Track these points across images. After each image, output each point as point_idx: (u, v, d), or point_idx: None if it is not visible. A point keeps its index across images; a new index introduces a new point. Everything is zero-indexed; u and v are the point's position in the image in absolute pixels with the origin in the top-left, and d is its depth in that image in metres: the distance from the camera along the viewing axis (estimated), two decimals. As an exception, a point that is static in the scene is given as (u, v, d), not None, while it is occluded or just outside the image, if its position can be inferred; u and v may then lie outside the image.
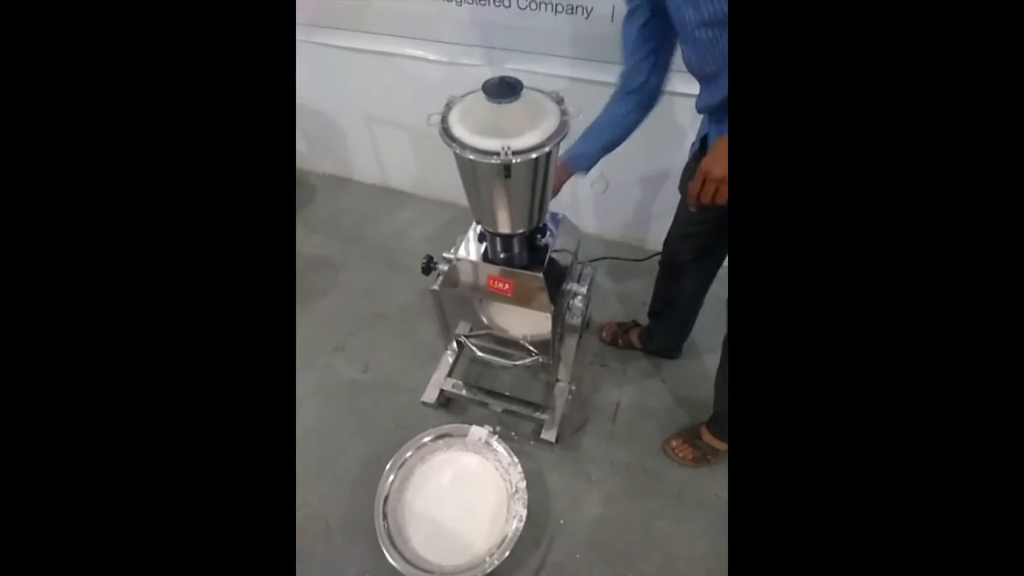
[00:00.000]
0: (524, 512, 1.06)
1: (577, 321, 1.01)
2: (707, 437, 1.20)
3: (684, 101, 1.27)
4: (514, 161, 0.69)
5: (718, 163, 0.66)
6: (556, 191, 0.93)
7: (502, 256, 0.97)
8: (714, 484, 1.20)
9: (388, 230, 1.85)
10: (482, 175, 0.77)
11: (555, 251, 0.99)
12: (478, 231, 1.02)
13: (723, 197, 0.68)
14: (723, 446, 1.19)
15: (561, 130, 0.73)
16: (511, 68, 1.36)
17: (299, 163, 2.10)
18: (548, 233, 1.00)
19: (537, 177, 0.78)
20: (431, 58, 1.46)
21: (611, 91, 0.90)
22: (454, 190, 1.92)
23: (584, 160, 0.93)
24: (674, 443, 1.24)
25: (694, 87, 0.80)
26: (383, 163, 1.92)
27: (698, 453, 1.21)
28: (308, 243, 1.80)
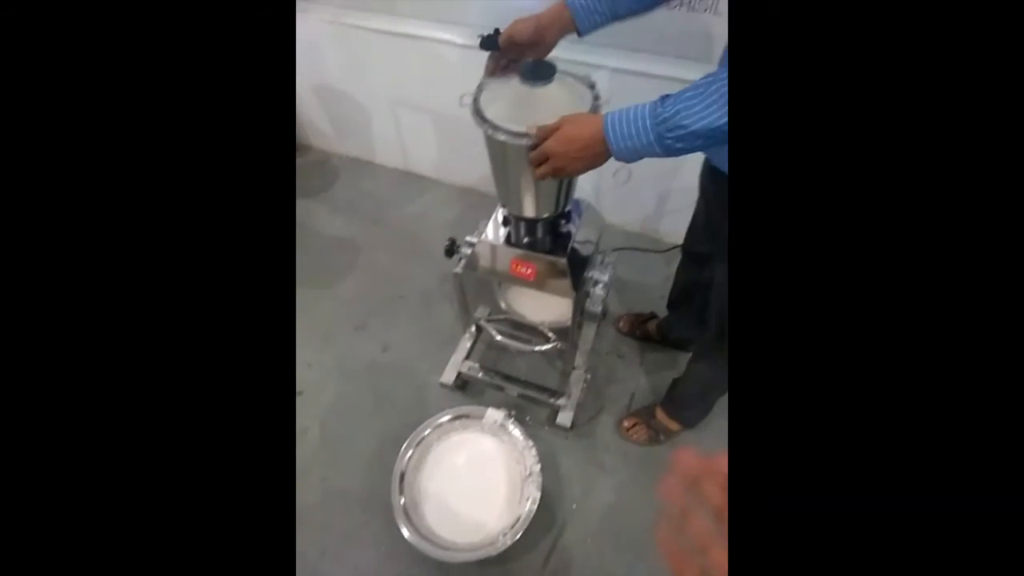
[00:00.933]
0: (538, 495, 1.08)
1: (597, 308, 1.02)
2: (661, 416, 1.22)
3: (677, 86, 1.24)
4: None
5: (567, 146, 0.64)
6: (543, 45, 0.77)
7: (525, 241, 0.98)
8: (727, 477, 1.20)
9: (409, 214, 1.87)
10: (511, 157, 0.78)
11: (578, 238, 0.99)
12: (502, 216, 1.02)
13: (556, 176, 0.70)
14: (675, 426, 1.22)
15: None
16: (539, 54, 1.35)
17: (323, 144, 2.12)
18: (572, 220, 1.00)
19: (566, 162, 0.78)
20: (459, 42, 1.46)
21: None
22: (475, 177, 1.94)
23: (585, 13, 0.74)
24: (627, 423, 1.26)
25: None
26: (406, 147, 1.94)
27: (651, 433, 1.24)
28: (330, 224, 1.83)
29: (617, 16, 0.76)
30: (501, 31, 0.77)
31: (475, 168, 1.85)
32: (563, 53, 0.79)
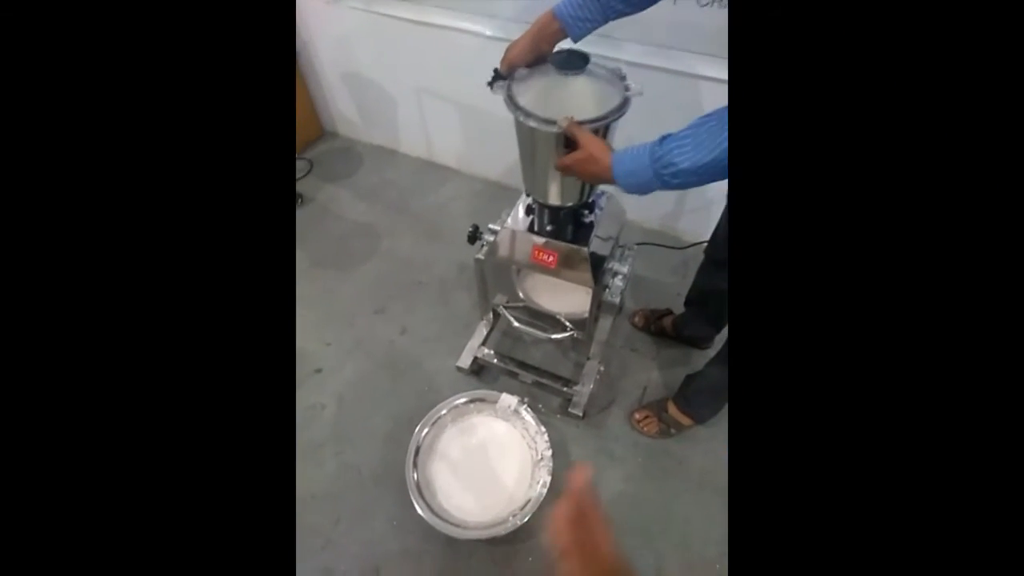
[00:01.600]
0: (549, 479, 1.10)
1: (616, 299, 1.04)
2: (673, 411, 1.24)
3: (712, 87, 1.25)
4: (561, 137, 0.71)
5: (583, 169, 0.73)
6: (541, 55, 0.80)
7: (548, 229, 1.00)
8: (736, 473, 1.21)
9: (431, 203, 1.90)
10: (541, 144, 0.80)
11: (600, 228, 1.01)
12: (526, 204, 1.05)
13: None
14: (687, 420, 1.23)
15: (623, 106, 0.75)
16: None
17: (349, 132, 2.16)
18: (594, 211, 1.02)
19: (594, 151, 0.80)
20: (488, 34, 1.48)
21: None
22: (497, 170, 1.97)
23: (574, 22, 0.77)
24: (638, 415, 1.28)
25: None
26: (430, 137, 1.97)
27: (663, 426, 1.26)
28: (353, 209, 1.87)
29: (608, 18, 0.79)
30: (499, 69, 0.82)
31: (497, 161, 1.87)
32: (576, 45, 0.81)
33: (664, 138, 0.64)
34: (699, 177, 0.62)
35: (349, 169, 2.04)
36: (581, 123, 0.72)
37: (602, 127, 0.73)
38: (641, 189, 0.67)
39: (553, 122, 0.73)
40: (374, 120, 2.04)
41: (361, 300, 1.57)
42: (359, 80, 1.89)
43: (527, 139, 0.82)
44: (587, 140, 0.71)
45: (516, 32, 1.51)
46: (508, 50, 0.81)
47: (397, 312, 1.54)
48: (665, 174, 0.63)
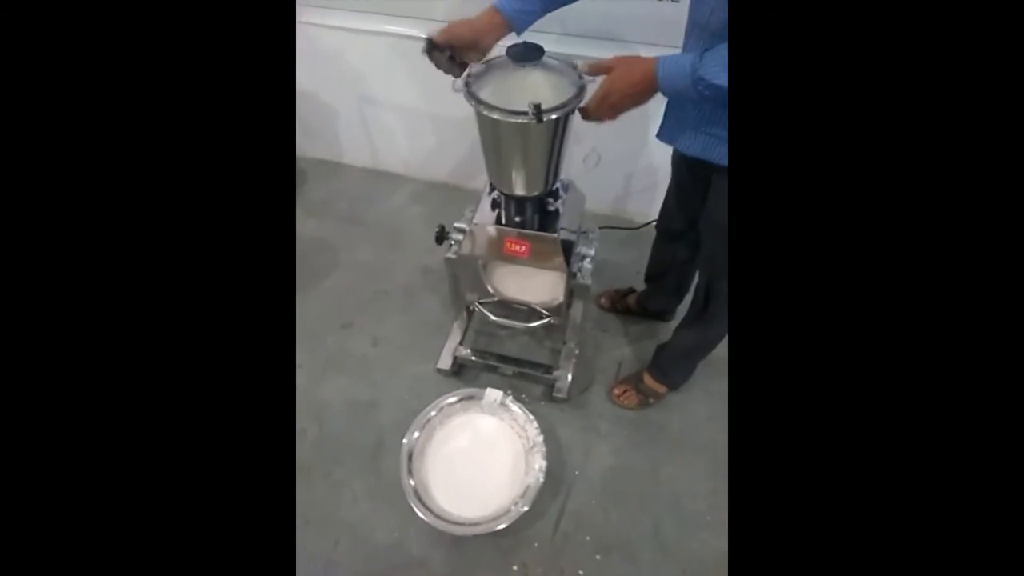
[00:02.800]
0: (544, 463, 1.13)
1: (588, 281, 1.08)
2: (649, 381, 1.31)
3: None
4: (544, 118, 0.74)
5: (622, 82, 0.73)
6: (480, 48, 0.82)
7: (517, 220, 1.02)
8: (712, 429, 1.29)
9: (384, 211, 1.87)
10: (505, 136, 0.82)
11: (566, 214, 1.05)
12: (490, 199, 1.07)
13: (611, 117, 0.77)
14: (662, 388, 1.31)
15: (580, 94, 0.78)
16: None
17: (287, 149, 2.09)
18: (560, 197, 1.06)
19: (556, 138, 0.84)
20: (424, 36, 1.48)
21: None
22: (447, 171, 1.97)
23: (517, 15, 0.81)
24: (617, 391, 1.34)
25: None
26: (375, 146, 1.94)
27: (641, 397, 1.32)
28: (305, 226, 1.81)
29: (547, 9, 0.84)
30: (433, 39, 0.83)
31: (446, 162, 1.88)
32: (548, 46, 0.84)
33: (706, 51, 0.67)
34: (721, 93, 0.66)
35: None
36: (544, 110, 0.75)
37: (563, 115, 0.77)
38: (677, 94, 0.71)
39: (519, 112, 0.75)
40: (314, 133, 1.98)
41: (327, 317, 1.53)
42: (296, 94, 1.83)
43: (490, 132, 0.84)
44: (613, 59, 0.74)
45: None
46: (449, 26, 0.82)
47: (366, 324, 1.52)
48: (700, 86, 0.67)
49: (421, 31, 1.48)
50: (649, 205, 1.73)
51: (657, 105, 0.86)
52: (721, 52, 0.65)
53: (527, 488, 1.11)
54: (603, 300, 1.55)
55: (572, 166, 1.71)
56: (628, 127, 1.56)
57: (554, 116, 0.76)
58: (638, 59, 0.73)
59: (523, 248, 1.02)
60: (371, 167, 2.02)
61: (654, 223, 1.29)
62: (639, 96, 0.74)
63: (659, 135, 0.92)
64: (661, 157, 1.54)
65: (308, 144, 2.04)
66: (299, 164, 2.06)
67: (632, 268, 1.64)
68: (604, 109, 0.77)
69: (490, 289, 1.29)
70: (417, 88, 1.64)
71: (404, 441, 1.14)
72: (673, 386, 1.32)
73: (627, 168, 1.68)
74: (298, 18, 1.58)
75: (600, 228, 1.59)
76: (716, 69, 0.65)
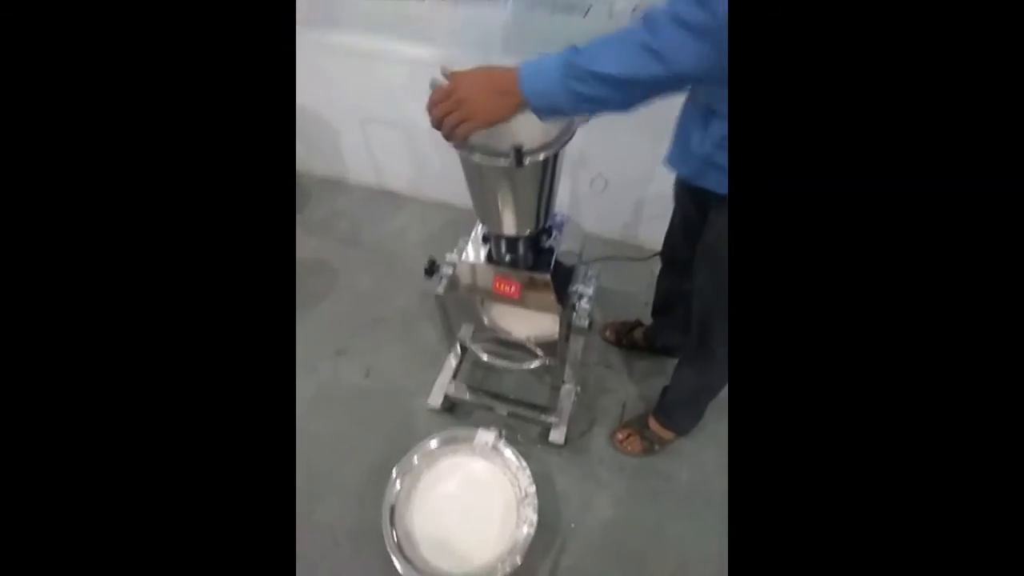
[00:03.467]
0: (535, 517, 1.05)
1: (584, 323, 1.00)
2: (654, 426, 1.21)
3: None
4: (526, 161, 0.67)
5: (475, 76, 0.61)
6: (488, 121, 0.63)
7: (507, 258, 0.95)
8: (723, 480, 1.19)
9: (386, 232, 1.83)
10: (488, 176, 0.76)
11: (561, 252, 0.98)
12: (482, 233, 1.00)
13: (463, 134, 0.63)
14: (669, 435, 1.20)
15: (568, 130, 0.71)
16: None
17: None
18: (553, 234, 0.99)
19: (545, 178, 0.77)
20: (426, 58, 1.44)
21: None
22: (451, 191, 1.92)
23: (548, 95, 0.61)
24: (620, 436, 1.25)
25: None
26: (379, 165, 1.90)
27: (645, 443, 1.23)
28: (305, 246, 1.77)
29: None
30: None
31: (450, 182, 1.82)
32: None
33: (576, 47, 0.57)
34: (605, 87, 0.55)
35: (297, 204, 1.95)
36: (527, 152, 0.68)
37: (551, 155, 0.70)
38: (545, 98, 0.58)
39: (501, 154, 0.68)
40: (318, 152, 1.96)
41: (321, 342, 1.49)
42: (298, 113, 1.81)
43: (474, 174, 0.77)
44: (473, 68, 0.62)
45: (455, 57, 1.48)
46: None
47: (360, 352, 1.47)
48: (574, 81, 0.55)
49: (422, 51, 1.46)
50: (661, 232, 1.64)
51: (668, 129, 0.79)
52: (605, 38, 0.55)
53: (515, 544, 1.03)
54: (608, 333, 1.47)
55: (579, 189, 1.64)
56: (638, 151, 1.49)
57: (541, 157, 0.69)
58: (492, 67, 0.61)
59: (513, 288, 0.95)
60: (375, 186, 1.98)
61: (658, 255, 1.21)
62: (494, 98, 0.60)
63: (665, 160, 0.84)
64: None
65: (312, 162, 2.02)
66: (303, 182, 2.04)
67: (640, 298, 1.55)
68: (449, 106, 0.62)
69: (485, 321, 1.23)
70: (421, 107, 1.59)
71: (386, 491, 1.07)
72: (681, 432, 1.23)
73: (638, 194, 1.60)
74: (303, 36, 1.55)
75: (599, 259, 1.53)
76: (599, 53, 0.54)
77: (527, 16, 1.26)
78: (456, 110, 0.62)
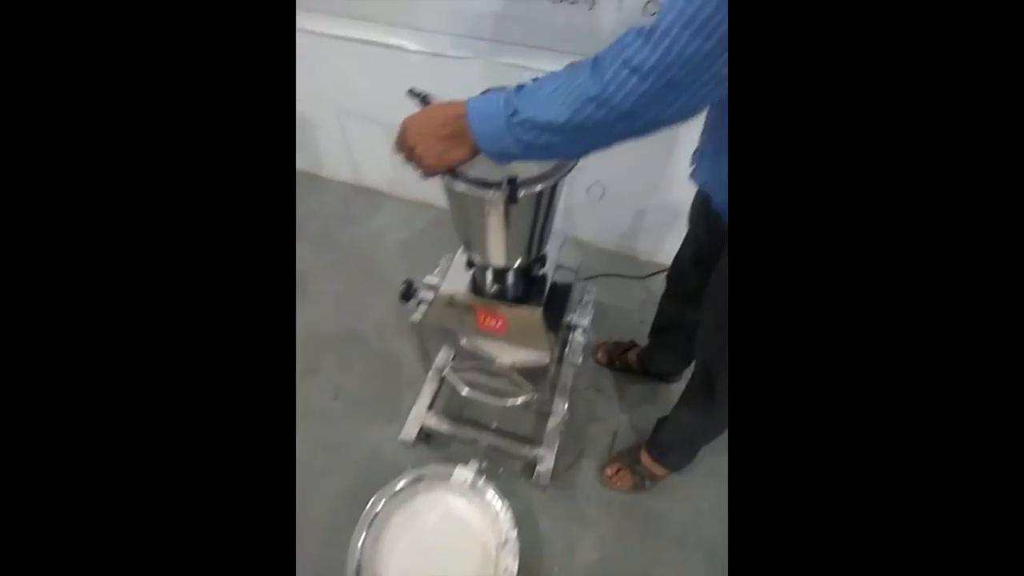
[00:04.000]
0: (515, 566, 0.96)
1: (578, 360, 0.90)
2: (646, 460, 1.13)
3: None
4: (520, 195, 0.56)
5: (422, 118, 0.57)
6: (434, 170, 0.61)
7: (494, 289, 0.84)
8: (717, 522, 1.12)
9: (362, 234, 1.69)
10: (472, 208, 0.64)
11: (555, 281, 0.87)
12: (467, 256, 0.88)
13: (428, 176, 0.61)
14: (661, 471, 1.13)
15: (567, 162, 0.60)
16: (501, 62, 1.21)
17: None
18: (546, 263, 0.88)
19: (539, 210, 0.65)
20: (412, 48, 1.30)
21: None
22: (435, 190, 1.76)
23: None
24: (609, 470, 1.16)
25: None
26: (356, 160, 1.75)
27: (636, 479, 1.14)
28: (273, 248, 1.63)
29: None
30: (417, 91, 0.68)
31: (434, 180, 1.69)
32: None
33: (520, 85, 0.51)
34: (554, 135, 0.48)
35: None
36: (522, 183, 0.56)
37: (548, 187, 0.58)
38: (494, 141, 0.52)
39: (487, 184, 0.57)
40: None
41: (286, 358, 1.36)
42: (267, 98, 1.65)
43: (457, 204, 0.65)
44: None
45: (443, 45, 1.32)
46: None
47: (329, 370, 1.34)
48: (516, 127, 0.50)
49: (409, 41, 1.31)
50: (660, 243, 1.55)
51: (678, 138, 0.69)
52: (542, 80, 0.49)
53: (494, 598, 0.94)
54: (600, 354, 1.37)
55: (575, 195, 1.52)
56: (640, 159, 1.38)
57: (537, 188, 0.57)
58: (459, 101, 0.55)
59: (499, 323, 0.84)
60: (352, 182, 1.84)
61: (665, 271, 1.11)
62: (444, 144, 0.56)
63: (691, 176, 0.75)
64: (677, 195, 1.36)
65: (285, 153, 1.86)
66: (275, 174, 1.88)
67: (635, 316, 1.45)
68: (404, 152, 0.60)
69: (465, 343, 1.12)
70: (400, 100, 1.45)
71: (349, 547, 0.96)
72: (674, 468, 1.14)
73: (638, 203, 1.49)
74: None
75: (592, 277, 1.43)
76: (540, 96, 0.48)
77: (526, 5, 1.13)
78: (411, 158, 0.59)
